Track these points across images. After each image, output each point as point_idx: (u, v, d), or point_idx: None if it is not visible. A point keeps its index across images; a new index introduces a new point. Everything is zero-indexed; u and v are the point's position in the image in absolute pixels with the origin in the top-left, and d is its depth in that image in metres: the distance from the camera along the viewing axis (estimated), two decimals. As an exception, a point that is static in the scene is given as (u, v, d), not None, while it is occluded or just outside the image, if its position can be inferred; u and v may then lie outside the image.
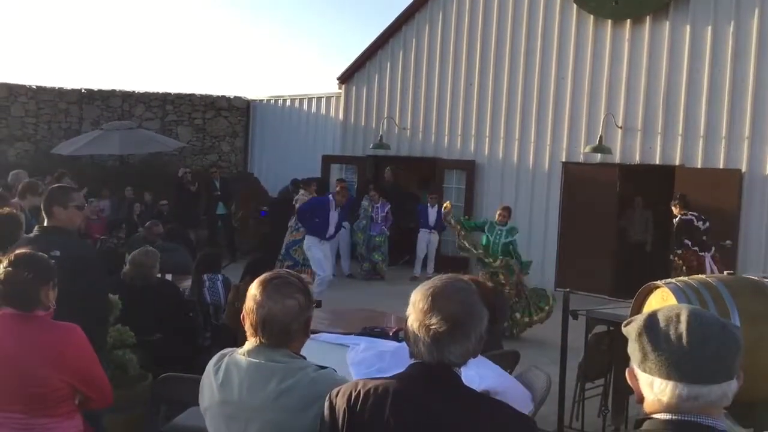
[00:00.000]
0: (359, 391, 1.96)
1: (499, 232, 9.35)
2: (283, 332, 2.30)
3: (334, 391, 2.04)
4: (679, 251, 9.81)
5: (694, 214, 9.77)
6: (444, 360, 1.89)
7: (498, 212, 9.61)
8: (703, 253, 9.61)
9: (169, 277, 7.10)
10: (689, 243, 9.71)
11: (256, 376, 2.30)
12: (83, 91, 16.92)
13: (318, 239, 10.20)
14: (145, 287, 5.76)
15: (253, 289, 2.33)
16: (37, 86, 16.62)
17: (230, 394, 2.33)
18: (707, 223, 9.72)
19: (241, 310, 2.38)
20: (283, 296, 2.29)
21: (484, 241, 9.35)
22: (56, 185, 4.49)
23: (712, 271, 8.99)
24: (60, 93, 16.73)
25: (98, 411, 3.47)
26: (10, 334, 3.01)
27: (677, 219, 9.89)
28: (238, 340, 2.48)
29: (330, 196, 10.58)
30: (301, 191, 12.39)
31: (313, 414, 2.19)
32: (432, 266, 12.87)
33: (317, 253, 10.21)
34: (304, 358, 2.38)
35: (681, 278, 4.18)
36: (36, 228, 4.17)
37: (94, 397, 3.18)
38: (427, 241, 12.98)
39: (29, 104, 16.48)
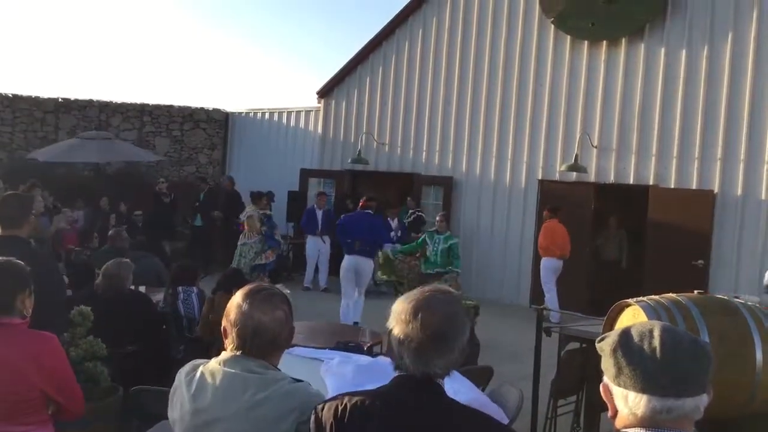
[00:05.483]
0: (345, 405, 1.96)
1: (437, 240, 10.39)
2: (272, 343, 2.33)
3: (320, 405, 2.04)
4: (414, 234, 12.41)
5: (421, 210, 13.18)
6: (429, 372, 1.90)
7: (437, 219, 10.73)
8: None
9: (142, 288, 7.03)
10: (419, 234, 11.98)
11: (231, 386, 2.29)
12: (60, 100, 16.75)
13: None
14: (118, 299, 5.71)
15: (240, 301, 2.33)
16: (13, 95, 16.43)
17: (203, 403, 2.32)
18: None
19: (216, 323, 2.37)
20: (272, 307, 2.33)
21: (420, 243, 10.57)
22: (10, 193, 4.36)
23: None
24: (36, 102, 16.55)
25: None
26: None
27: (413, 214, 13.27)
28: (212, 353, 2.47)
29: (313, 204, 13.63)
30: (248, 207, 12.53)
31: (285, 427, 2.18)
32: None
33: None
34: (279, 371, 2.38)
35: (652, 297, 4.23)
36: None
37: (67, 407, 3.15)
38: None
39: (5, 113, 16.28)
